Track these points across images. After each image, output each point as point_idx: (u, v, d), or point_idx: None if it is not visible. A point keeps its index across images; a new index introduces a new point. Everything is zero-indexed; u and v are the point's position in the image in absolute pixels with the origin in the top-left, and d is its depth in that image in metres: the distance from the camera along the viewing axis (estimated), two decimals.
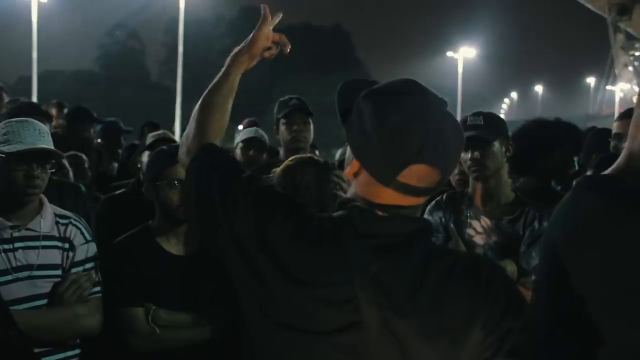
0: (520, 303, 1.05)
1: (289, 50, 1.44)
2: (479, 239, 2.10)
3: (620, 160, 1.21)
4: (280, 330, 1.07)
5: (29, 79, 22.22)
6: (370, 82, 1.15)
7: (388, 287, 1.02)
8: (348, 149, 1.15)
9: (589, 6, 15.19)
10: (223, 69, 1.35)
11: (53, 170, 1.93)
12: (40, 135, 1.82)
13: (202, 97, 1.33)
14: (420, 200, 1.08)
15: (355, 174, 1.10)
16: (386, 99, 1.06)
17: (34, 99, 15.41)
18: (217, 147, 1.27)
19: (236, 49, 1.37)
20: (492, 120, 2.14)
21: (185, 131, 1.32)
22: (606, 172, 1.22)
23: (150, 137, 2.79)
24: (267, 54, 1.41)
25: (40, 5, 21.49)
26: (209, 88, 1.33)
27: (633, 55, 15.72)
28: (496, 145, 2.08)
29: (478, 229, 2.11)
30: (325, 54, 50.60)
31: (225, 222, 1.13)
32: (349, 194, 1.13)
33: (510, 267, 1.95)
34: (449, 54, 35.57)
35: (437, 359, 1.01)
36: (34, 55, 21.12)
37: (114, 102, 32.08)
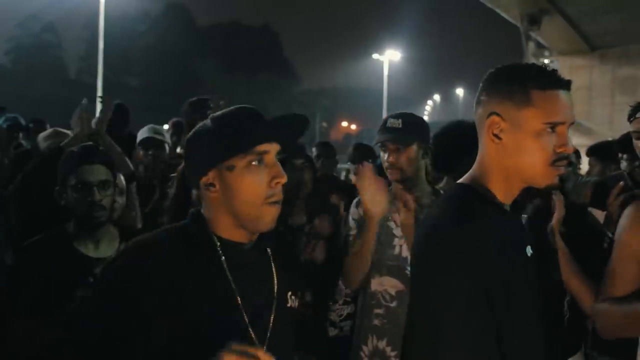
0: None
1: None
2: (397, 232, 2.22)
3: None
4: None
5: None
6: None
7: None
8: None
9: (505, 15, 16.23)
10: None
11: None
12: None
13: None
14: None
15: None
16: None
17: None
18: None
19: None
20: (412, 123, 2.20)
21: None
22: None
23: (43, 139, 2.68)
24: None
25: None
26: None
27: (542, 62, 16.88)
28: (413, 148, 2.17)
29: (397, 222, 2.23)
30: (253, 54, 50.16)
31: None
32: None
33: None
34: (375, 56, 36.38)
35: None
36: None
37: (28, 99, 30.17)
